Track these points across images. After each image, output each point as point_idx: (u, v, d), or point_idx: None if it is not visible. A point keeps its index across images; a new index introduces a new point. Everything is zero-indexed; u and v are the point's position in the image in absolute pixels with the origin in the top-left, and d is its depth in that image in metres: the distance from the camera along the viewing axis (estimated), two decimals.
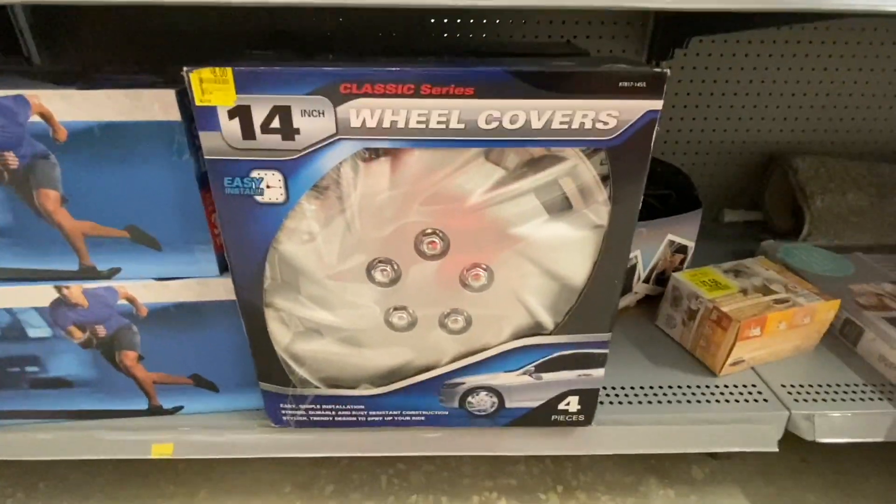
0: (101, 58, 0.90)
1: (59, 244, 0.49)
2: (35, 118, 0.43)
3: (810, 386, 0.65)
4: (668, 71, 0.39)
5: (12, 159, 0.45)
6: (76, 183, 0.46)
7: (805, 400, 0.63)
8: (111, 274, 0.51)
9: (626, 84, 0.40)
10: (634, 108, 0.41)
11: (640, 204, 0.45)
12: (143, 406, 0.59)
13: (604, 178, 0.45)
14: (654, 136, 0.42)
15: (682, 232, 0.75)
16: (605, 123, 0.41)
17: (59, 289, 0.51)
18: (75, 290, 0.51)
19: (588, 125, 0.41)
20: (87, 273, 0.51)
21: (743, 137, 1.04)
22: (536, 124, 0.41)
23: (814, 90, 0.99)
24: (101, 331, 0.54)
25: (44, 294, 0.51)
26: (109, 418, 0.60)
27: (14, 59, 0.85)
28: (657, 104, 0.40)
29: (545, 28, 0.90)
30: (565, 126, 0.41)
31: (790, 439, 0.61)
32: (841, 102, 1.00)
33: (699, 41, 0.93)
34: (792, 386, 0.65)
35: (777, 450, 0.61)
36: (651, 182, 0.79)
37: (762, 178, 1.06)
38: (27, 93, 0.42)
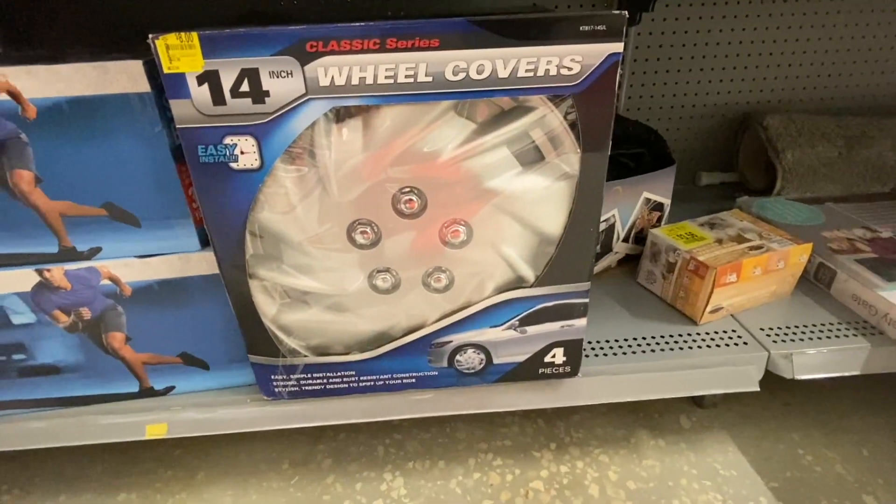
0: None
1: (37, 226, 0.49)
2: (3, 96, 0.43)
3: (787, 328, 0.67)
4: (626, 13, 0.40)
5: None
6: (50, 162, 0.46)
7: (783, 341, 0.65)
8: (92, 254, 0.51)
9: (586, 28, 0.41)
10: (597, 52, 0.42)
11: (609, 149, 0.46)
12: (134, 388, 0.60)
13: (571, 126, 0.46)
14: (617, 79, 0.43)
15: (658, 189, 0.76)
16: (570, 69, 0.42)
17: (40, 272, 0.51)
18: (57, 272, 0.51)
19: (553, 71, 0.42)
20: (68, 254, 0.51)
21: (714, 100, 1.06)
22: (502, 73, 0.42)
23: (780, 49, 1.01)
24: (86, 313, 0.54)
25: (25, 278, 0.51)
26: (101, 403, 0.60)
27: None
28: (618, 47, 0.41)
29: None
30: (531, 74, 0.42)
31: (772, 384, 0.64)
32: (807, 60, 1.03)
33: (666, 4, 0.94)
34: (770, 329, 0.67)
35: (758, 389, 0.63)
36: (624, 141, 0.81)
37: (735, 139, 1.08)
38: None
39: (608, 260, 0.79)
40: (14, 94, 0.43)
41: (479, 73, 0.42)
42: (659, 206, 0.78)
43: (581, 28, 0.41)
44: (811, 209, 0.88)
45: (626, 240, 0.78)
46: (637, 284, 0.78)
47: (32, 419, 0.59)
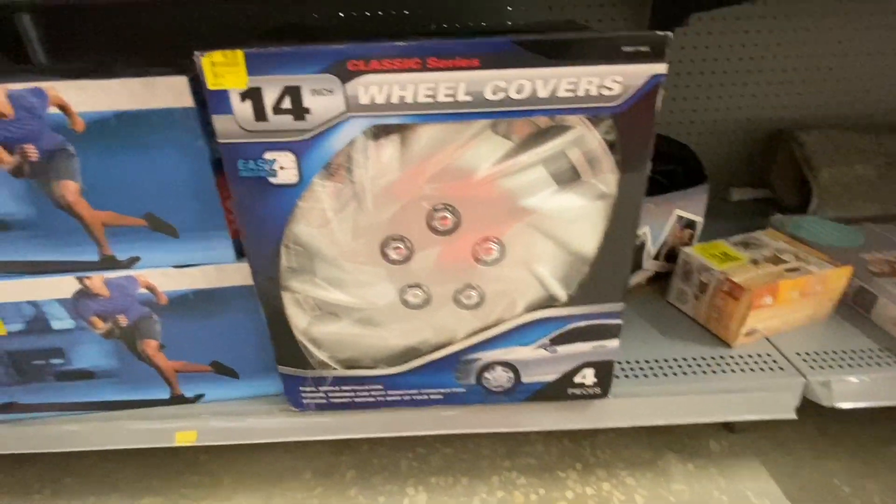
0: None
1: (80, 235, 0.50)
2: (53, 110, 0.45)
3: (826, 353, 0.65)
4: (671, 34, 0.40)
5: (32, 152, 0.46)
6: (95, 173, 0.48)
7: (821, 367, 0.63)
8: (131, 263, 0.52)
9: (629, 49, 0.40)
10: (639, 73, 0.41)
11: (648, 170, 0.46)
12: (166, 395, 0.60)
13: (610, 146, 0.45)
14: (659, 101, 0.42)
15: (690, 207, 0.75)
16: (611, 89, 0.42)
17: (80, 280, 0.52)
18: (96, 280, 0.52)
19: (594, 92, 0.42)
20: (108, 263, 0.52)
21: (747, 115, 1.04)
22: (542, 93, 0.42)
23: (816, 64, 0.99)
24: (123, 320, 0.55)
25: (66, 285, 0.52)
26: (133, 408, 0.61)
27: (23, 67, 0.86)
28: (661, 68, 0.41)
29: (545, 12, 0.91)
30: (571, 94, 0.42)
31: (807, 410, 0.61)
32: (842, 74, 1.00)
33: (699, 19, 0.93)
34: (807, 354, 0.65)
35: (795, 416, 0.61)
36: (656, 158, 0.80)
37: (768, 155, 1.06)
38: (44, 85, 0.44)
39: (638, 277, 0.78)
40: (63, 108, 0.45)
41: (518, 92, 0.42)
42: (691, 224, 0.77)
43: (623, 48, 0.40)
44: (849, 230, 0.85)
45: (656, 257, 0.77)
46: (667, 303, 0.76)
47: (66, 422, 0.60)
